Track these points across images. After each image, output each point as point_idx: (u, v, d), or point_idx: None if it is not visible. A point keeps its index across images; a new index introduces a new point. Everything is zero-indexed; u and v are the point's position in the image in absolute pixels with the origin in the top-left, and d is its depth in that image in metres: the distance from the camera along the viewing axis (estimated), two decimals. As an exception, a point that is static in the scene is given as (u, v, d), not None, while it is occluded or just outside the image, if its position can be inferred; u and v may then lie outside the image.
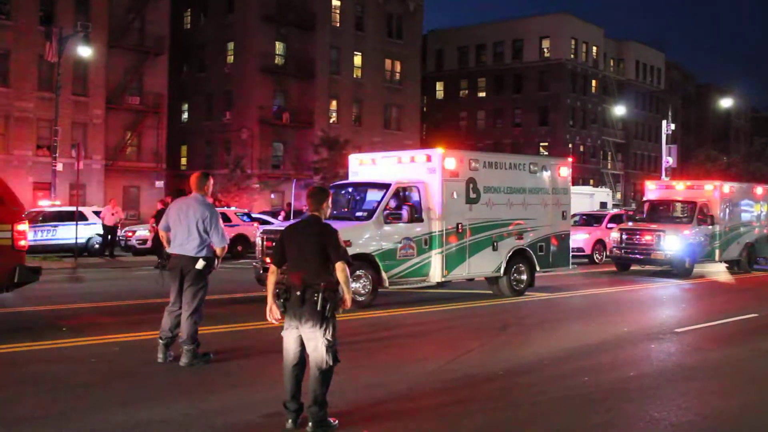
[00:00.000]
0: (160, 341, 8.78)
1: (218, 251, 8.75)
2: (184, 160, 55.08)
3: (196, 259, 8.61)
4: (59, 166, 31.18)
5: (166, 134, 49.08)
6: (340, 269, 6.26)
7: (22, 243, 10.83)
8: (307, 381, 6.30)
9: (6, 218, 10.57)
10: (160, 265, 11.78)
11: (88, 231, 26.28)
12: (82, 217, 25.72)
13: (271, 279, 6.53)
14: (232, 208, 32.79)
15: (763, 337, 11.98)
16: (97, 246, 26.38)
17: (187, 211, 8.71)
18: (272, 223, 25.55)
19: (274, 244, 9.88)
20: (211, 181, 9.08)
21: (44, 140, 40.84)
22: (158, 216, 19.36)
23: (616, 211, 34.43)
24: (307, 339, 6.25)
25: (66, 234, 25.21)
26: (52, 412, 6.86)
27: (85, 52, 34.57)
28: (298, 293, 6.21)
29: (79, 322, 11.77)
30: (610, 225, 27.35)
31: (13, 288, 10.99)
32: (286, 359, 6.40)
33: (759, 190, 25.87)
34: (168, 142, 49.60)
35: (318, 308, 6.14)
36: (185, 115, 56.64)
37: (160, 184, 47.65)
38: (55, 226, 26.02)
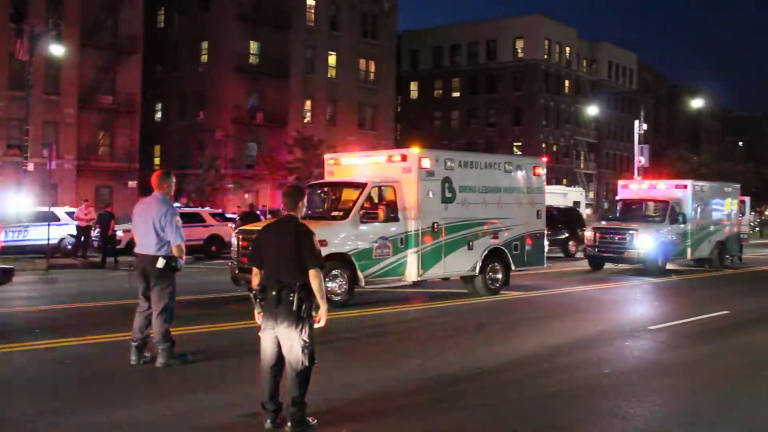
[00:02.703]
0: (132, 343, 8.74)
1: (174, 250, 8.59)
2: (157, 160, 54.63)
3: (156, 258, 8.56)
4: (30, 166, 30.71)
5: (139, 134, 48.64)
6: (313, 276, 6.20)
7: (-5, 244, 10.73)
8: (286, 381, 6.29)
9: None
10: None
11: (61, 232, 25.98)
12: (54, 218, 25.43)
13: (255, 281, 6.49)
14: (206, 209, 32.64)
15: (734, 334, 12.14)
16: (69, 247, 26.10)
17: (147, 211, 8.70)
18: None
19: (249, 244, 9.84)
20: (173, 179, 9.03)
21: (15, 140, 40.26)
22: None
23: None
24: (282, 339, 6.23)
25: (38, 235, 24.89)
26: (27, 414, 6.79)
27: (57, 50, 33.96)
28: (274, 293, 6.19)
29: (52, 324, 11.67)
30: None
31: (-14, 289, 10.90)
32: (264, 360, 6.39)
33: (729, 189, 26.23)
34: (141, 141, 49.16)
35: (293, 308, 6.12)
36: (159, 115, 56.22)
37: (133, 184, 47.18)
38: (27, 227, 25.69)
